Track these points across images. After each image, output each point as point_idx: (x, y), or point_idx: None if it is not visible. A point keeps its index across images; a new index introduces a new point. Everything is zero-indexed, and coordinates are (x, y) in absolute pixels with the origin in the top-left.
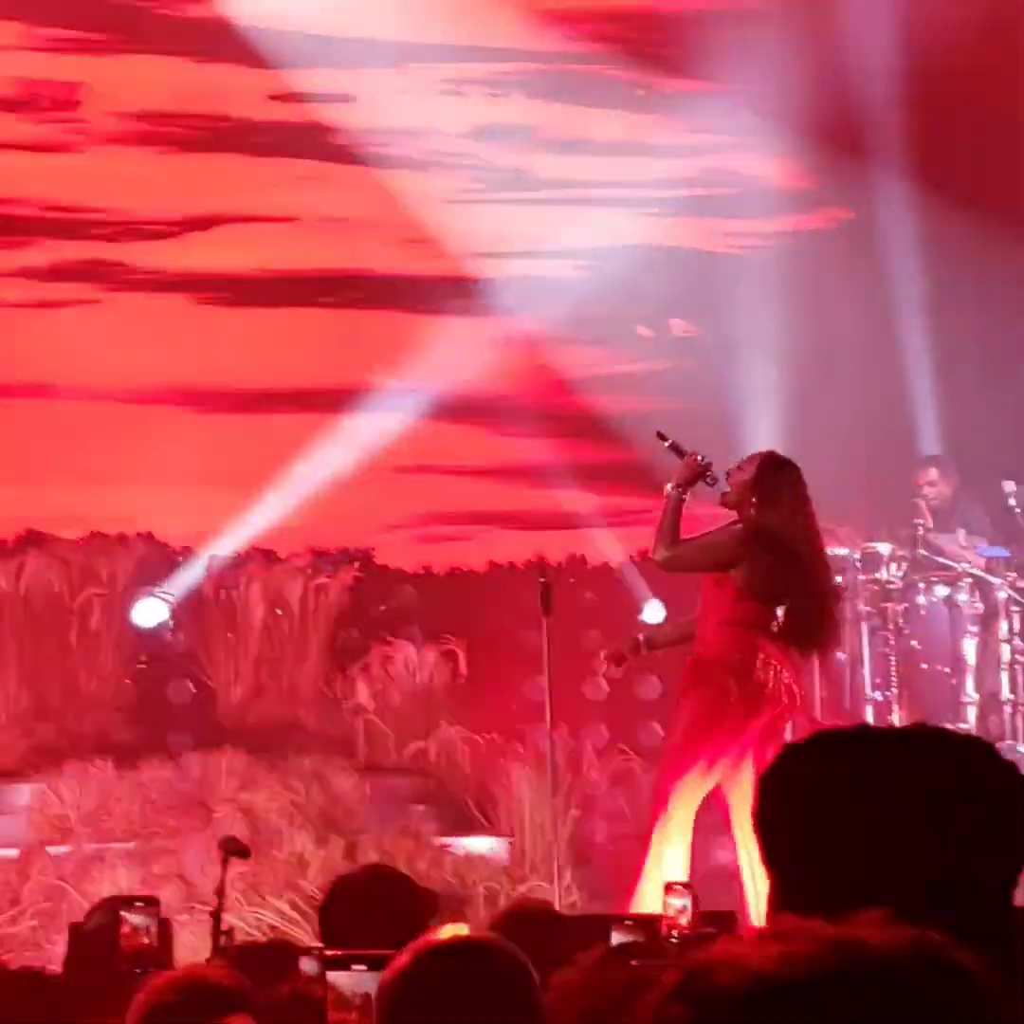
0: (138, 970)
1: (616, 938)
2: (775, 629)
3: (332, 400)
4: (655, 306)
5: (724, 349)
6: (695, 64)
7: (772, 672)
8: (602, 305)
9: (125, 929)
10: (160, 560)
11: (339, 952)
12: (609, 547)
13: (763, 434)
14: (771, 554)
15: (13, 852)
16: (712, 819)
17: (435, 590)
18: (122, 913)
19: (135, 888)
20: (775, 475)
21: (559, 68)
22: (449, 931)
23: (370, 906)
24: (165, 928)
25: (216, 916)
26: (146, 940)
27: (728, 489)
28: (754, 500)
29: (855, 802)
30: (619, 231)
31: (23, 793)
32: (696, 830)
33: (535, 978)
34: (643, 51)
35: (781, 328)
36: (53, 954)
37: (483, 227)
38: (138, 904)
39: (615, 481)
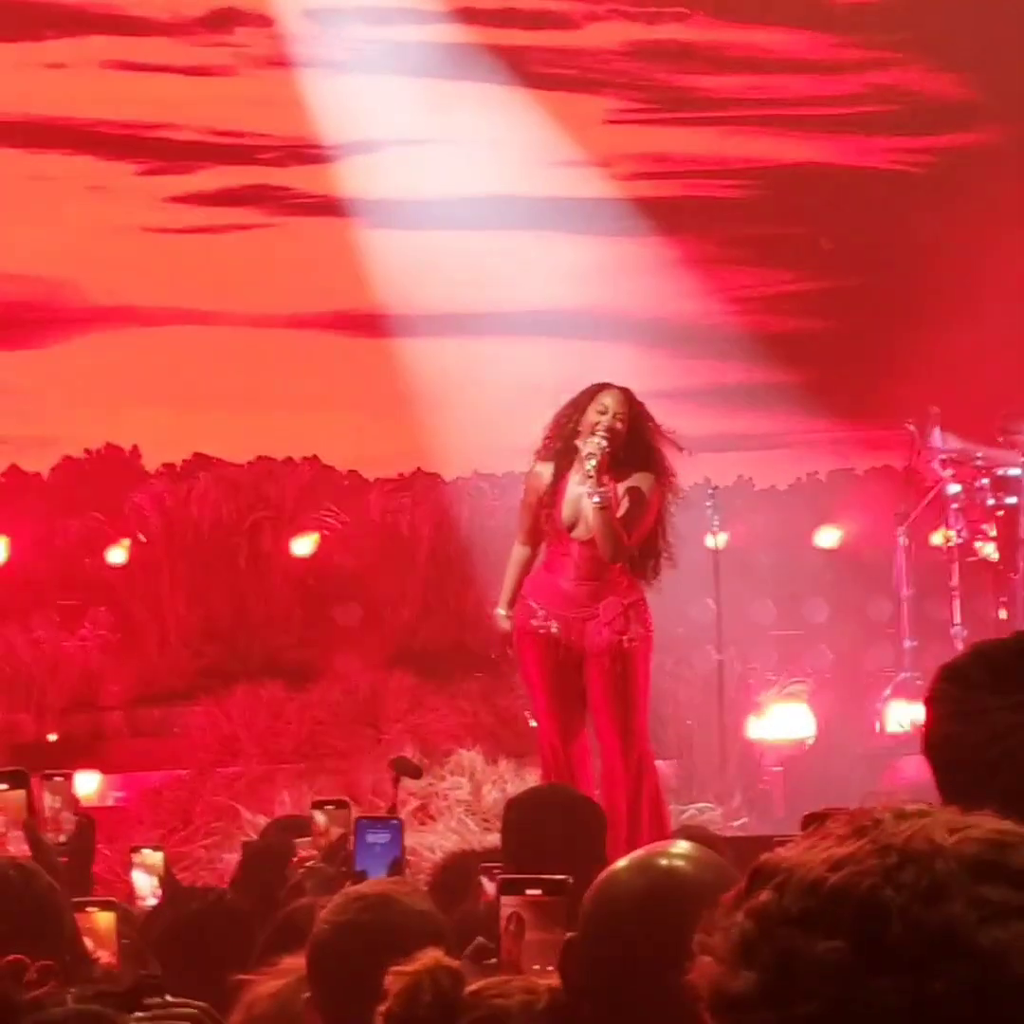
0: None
1: None
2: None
3: (497, 323)
4: (818, 225)
5: (886, 267)
6: None
7: None
8: (764, 226)
9: (316, 828)
10: (326, 483)
11: (515, 877)
12: (772, 470)
13: (920, 352)
14: None
15: (184, 773)
16: None
17: None
18: (314, 812)
19: (305, 808)
20: (652, 421)
21: None
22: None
23: (545, 823)
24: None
25: None
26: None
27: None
28: (643, 450)
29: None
30: (777, 150)
31: (194, 714)
32: None
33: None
34: None
35: (944, 246)
36: (225, 873)
37: (643, 148)
38: (329, 806)
39: (782, 402)
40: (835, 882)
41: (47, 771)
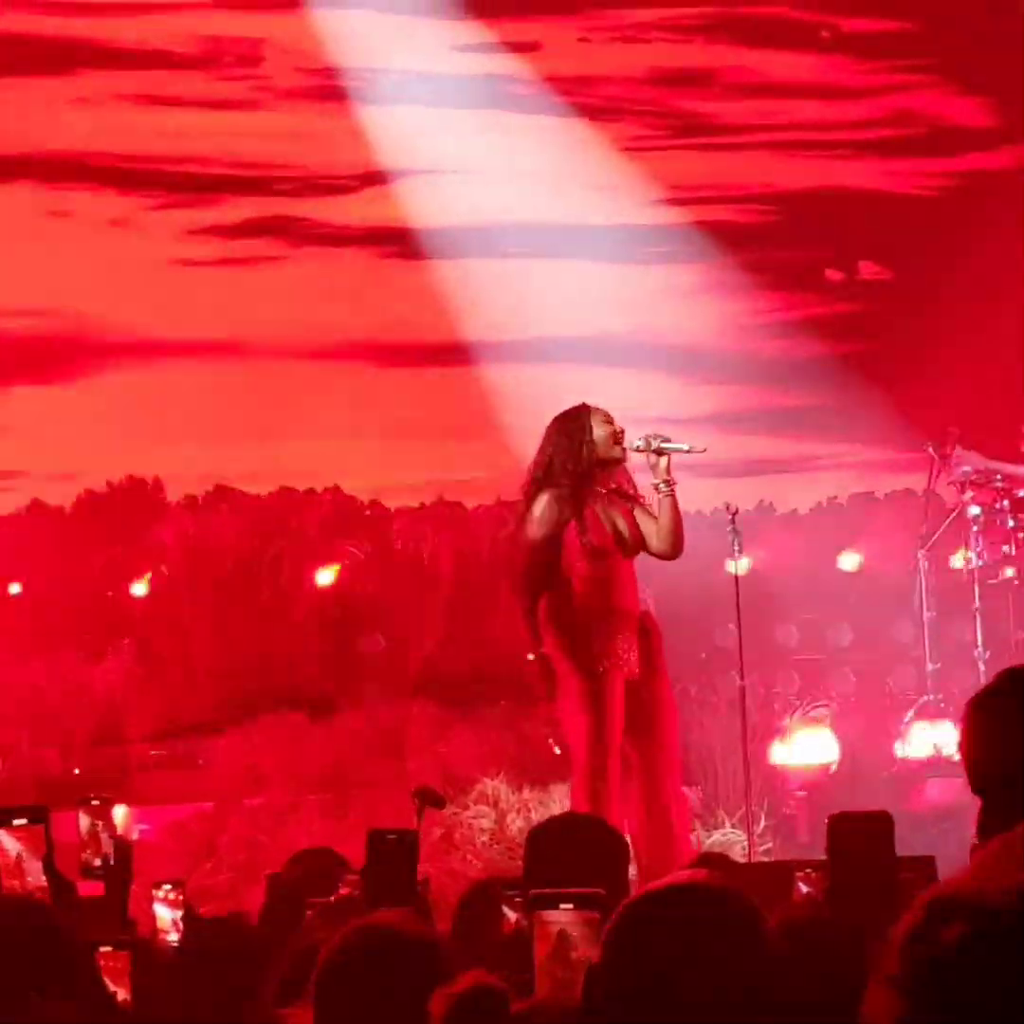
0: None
1: (801, 887)
2: None
3: (517, 351)
4: (841, 249)
5: (905, 290)
6: (878, 3)
7: None
8: (788, 249)
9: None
10: (348, 514)
11: (547, 891)
12: (794, 493)
13: (940, 375)
14: None
15: (209, 805)
16: None
17: None
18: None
19: (329, 839)
20: None
21: (742, 11)
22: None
23: (568, 852)
24: None
25: (411, 866)
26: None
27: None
28: None
29: None
30: (803, 174)
31: (218, 746)
32: None
33: (766, 923)
34: None
35: (963, 269)
36: (250, 905)
37: (665, 173)
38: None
39: (802, 427)
40: None
41: (83, 797)
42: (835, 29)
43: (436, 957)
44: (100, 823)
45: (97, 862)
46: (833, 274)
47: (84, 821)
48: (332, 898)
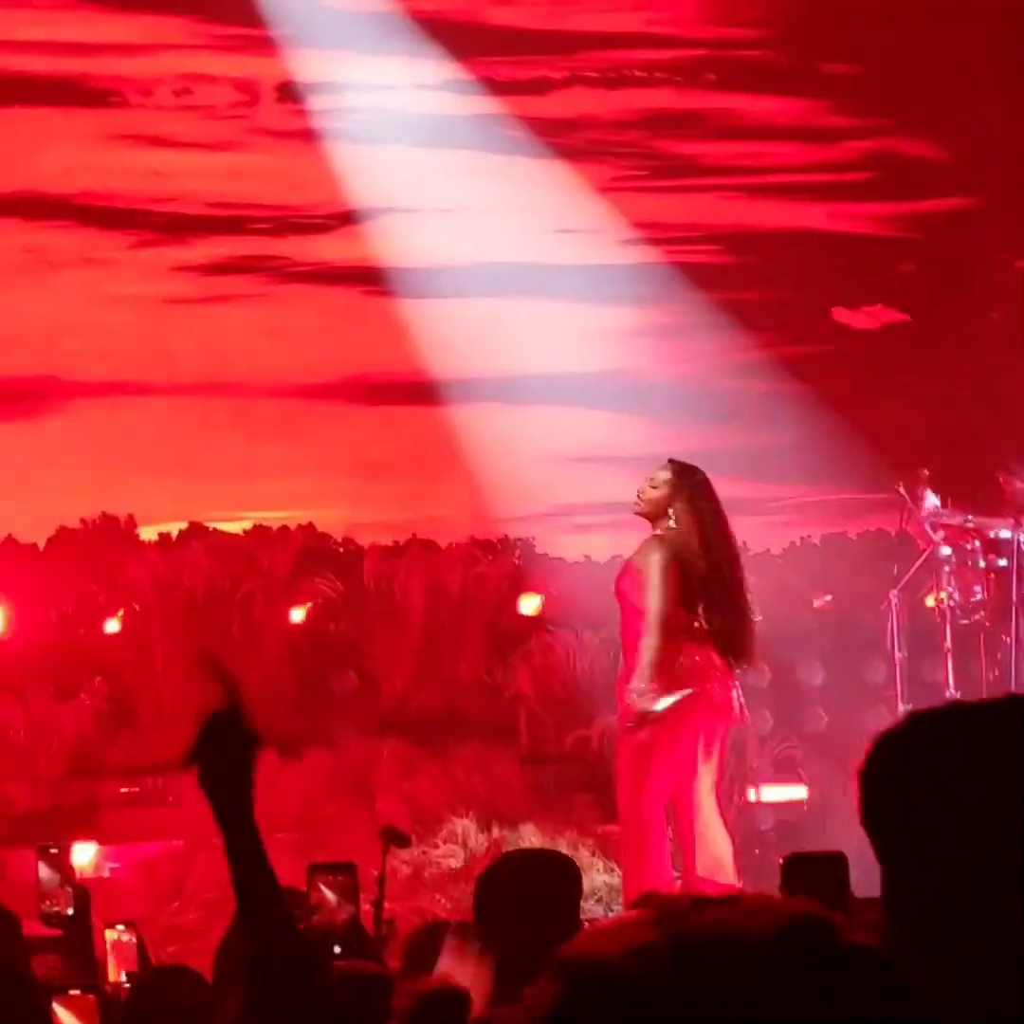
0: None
1: None
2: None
3: (492, 390)
4: (814, 290)
5: (886, 333)
6: (852, 47)
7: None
8: (760, 290)
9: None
10: (320, 551)
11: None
12: (766, 534)
13: (910, 416)
14: (691, 564)
15: (179, 843)
16: None
17: (595, 578)
18: (320, 884)
19: (298, 878)
20: (690, 485)
21: (720, 54)
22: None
23: (521, 888)
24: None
25: (378, 905)
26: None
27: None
28: (672, 512)
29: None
30: (774, 216)
31: (189, 784)
32: None
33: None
34: (802, 35)
35: (932, 310)
36: (217, 944)
37: (638, 214)
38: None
39: (774, 467)
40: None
41: (42, 844)
42: (812, 72)
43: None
44: (57, 872)
45: (55, 909)
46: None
47: (43, 870)
48: None
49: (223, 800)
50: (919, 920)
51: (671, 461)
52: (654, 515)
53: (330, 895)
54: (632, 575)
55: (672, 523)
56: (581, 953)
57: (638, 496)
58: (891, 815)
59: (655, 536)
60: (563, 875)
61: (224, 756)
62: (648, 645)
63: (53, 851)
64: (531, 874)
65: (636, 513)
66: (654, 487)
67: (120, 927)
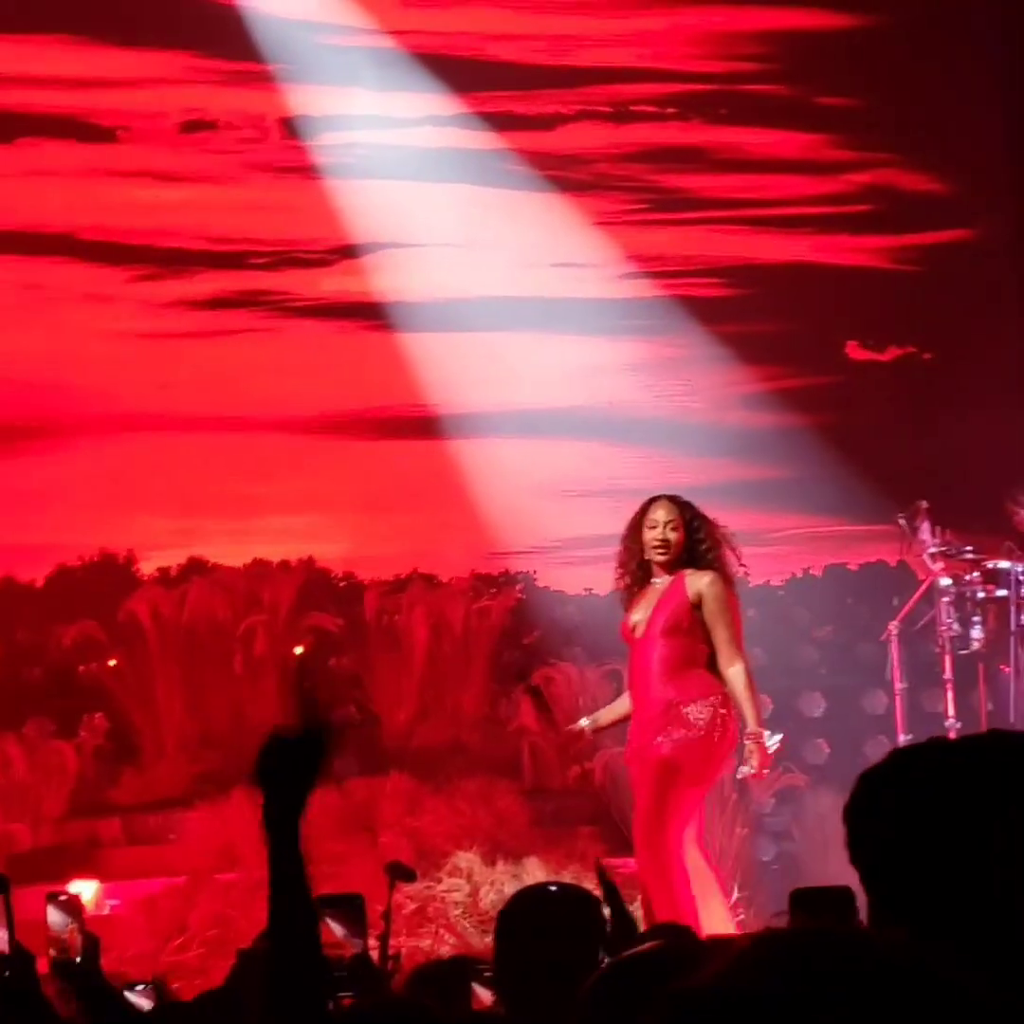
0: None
1: None
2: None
3: (492, 424)
4: (815, 323)
5: (887, 365)
6: (847, 80)
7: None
8: (761, 323)
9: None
10: (321, 586)
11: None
12: (767, 566)
13: (909, 447)
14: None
15: (181, 880)
16: None
17: (597, 611)
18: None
19: None
20: (705, 520)
21: (722, 89)
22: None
23: (545, 925)
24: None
25: (383, 940)
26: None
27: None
28: (705, 549)
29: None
30: (775, 248)
31: (191, 821)
32: None
33: None
34: (803, 69)
35: (931, 341)
36: (221, 982)
37: (638, 247)
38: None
39: (775, 499)
40: None
41: (52, 891)
42: (813, 106)
43: None
44: (72, 918)
45: (65, 958)
46: (808, 347)
47: (53, 916)
48: None
49: (272, 816)
50: None
51: (661, 498)
52: (679, 554)
53: (337, 928)
54: (681, 600)
55: (704, 548)
56: (686, 984)
57: (663, 548)
58: (875, 848)
59: (713, 569)
60: (585, 912)
61: (283, 776)
62: (743, 674)
63: (63, 898)
64: (552, 910)
65: (666, 561)
66: (674, 529)
67: (139, 987)
